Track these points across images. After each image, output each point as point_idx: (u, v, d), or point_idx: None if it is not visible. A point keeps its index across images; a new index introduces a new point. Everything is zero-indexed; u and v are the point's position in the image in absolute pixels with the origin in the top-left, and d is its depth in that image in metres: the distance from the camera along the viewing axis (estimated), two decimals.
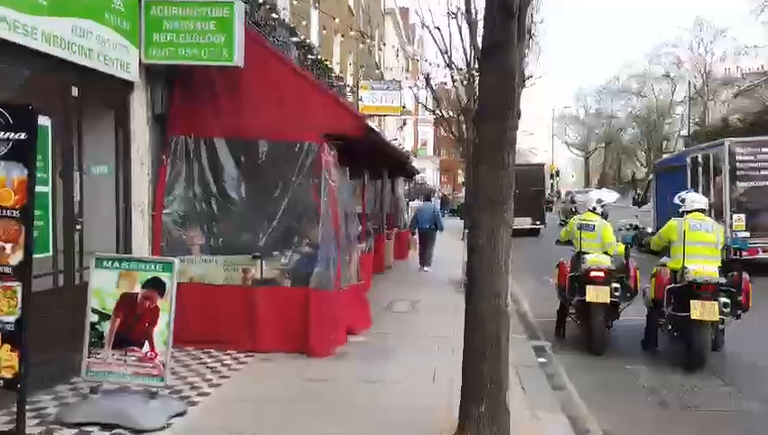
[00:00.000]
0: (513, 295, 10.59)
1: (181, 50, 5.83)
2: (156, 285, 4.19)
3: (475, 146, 3.78)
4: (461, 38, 14.24)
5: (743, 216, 11.13)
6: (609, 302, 6.49)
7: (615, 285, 6.59)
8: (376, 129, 6.14)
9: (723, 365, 6.12)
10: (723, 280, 5.87)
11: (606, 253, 6.99)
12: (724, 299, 5.80)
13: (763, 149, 11.69)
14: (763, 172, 11.26)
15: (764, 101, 41.34)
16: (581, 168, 77.28)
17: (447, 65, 15.21)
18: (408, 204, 21.99)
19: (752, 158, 11.52)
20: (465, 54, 14.37)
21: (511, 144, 3.57)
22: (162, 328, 4.16)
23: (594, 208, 7.24)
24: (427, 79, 19.63)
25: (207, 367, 5.52)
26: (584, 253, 6.99)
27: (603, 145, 69.56)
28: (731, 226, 10.93)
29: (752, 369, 6.13)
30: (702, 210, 6.39)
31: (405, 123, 33.79)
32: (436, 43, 14.96)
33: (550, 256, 7.61)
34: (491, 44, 3.62)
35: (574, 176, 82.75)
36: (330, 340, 6.11)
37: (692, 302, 5.76)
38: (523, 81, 3.75)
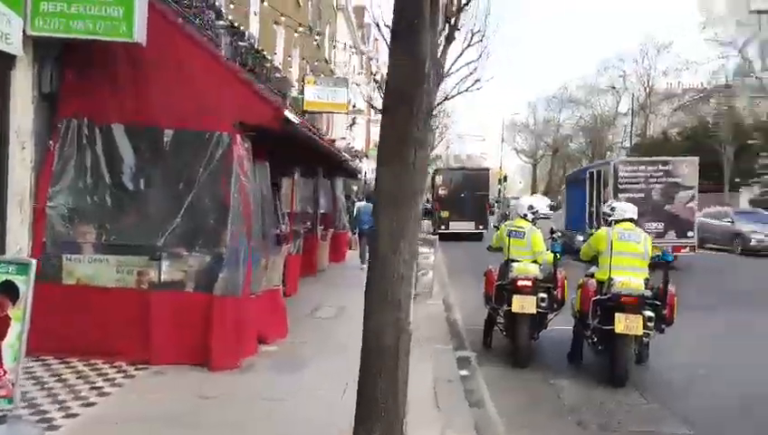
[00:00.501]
0: (447, 301, 10.35)
1: (73, 22, 5.17)
2: (7, 290, 3.57)
3: (379, 140, 3.35)
4: None
5: None
6: (535, 312, 6.22)
7: (542, 295, 6.33)
8: (295, 120, 5.62)
9: (646, 381, 5.92)
10: (648, 293, 5.68)
11: (536, 261, 6.74)
12: (648, 313, 5.61)
13: (640, 168, 14.52)
14: (639, 186, 14.11)
15: (701, 116, 43.14)
16: (530, 175, 78.87)
17: None
18: (354, 204, 21.67)
19: (632, 174, 14.28)
20: None
21: (419, 141, 3.16)
22: (12, 341, 3.55)
23: (525, 215, 6.98)
24: (376, 79, 19.23)
25: (87, 382, 4.89)
26: (513, 260, 6.71)
27: (551, 153, 71.14)
28: None
29: (674, 384, 5.97)
30: (632, 220, 6.21)
31: (354, 122, 33.25)
32: (387, 42, 14.55)
33: (490, 262, 7.31)
34: (400, 24, 3.21)
35: (522, 182, 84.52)
36: (234, 351, 5.58)
37: (616, 315, 5.54)
38: (440, 73, 3.32)
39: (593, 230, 18.57)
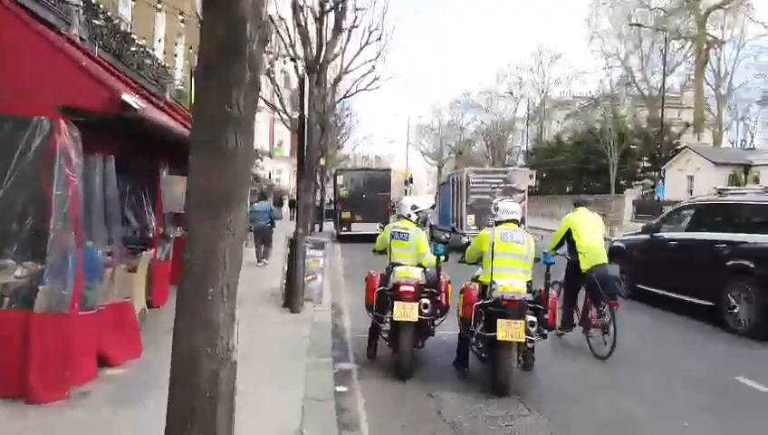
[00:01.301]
0: (338, 307, 9.76)
1: None
2: None
3: (192, 123, 2.67)
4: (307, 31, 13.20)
5: (473, 216, 17.67)
6: (416, 320, 5.77)
7: (425, 301, 5.89)
8: (136, 105, 4.77)
9: (530, 390, 5.64)
10: (529, 297, 5.40)
11: (420, 265, 6.31)
12: (531, 317, 5.32)
13: (486, 176, 18.90)
14: (485, 190, 17.77)
15: (590, 123, 45.81)
16: (436, 177, 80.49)
17: (292, 59, 14.05)
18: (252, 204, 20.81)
19: (480, 181, 18.26)
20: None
21: (238, 122, 2.52)
22: None
23: (409, 215, 6.53)
24: (269, 72, 18.29)
25: None
26: (396, 264, 6.24)
27: (455, 156, 72.93)
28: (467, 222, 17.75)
29: (559, 393, 5.73)
30: (514, 221, 5.92)
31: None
32: (279, 34, 13.73)
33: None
34: None
35: (430, 184, 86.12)
36: (59, 378, 4.64)
37: (498, 321, 5.20)
38: (266, 38, 2.67)
39: (453, 225, 19.38)
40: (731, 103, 49.15)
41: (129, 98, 4.80)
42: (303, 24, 10.46)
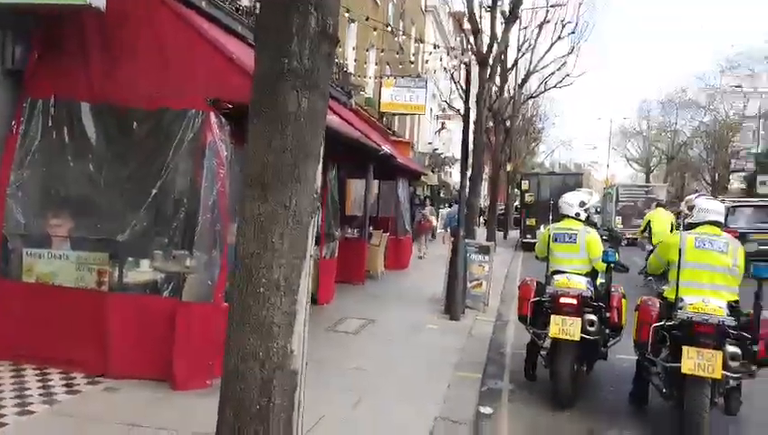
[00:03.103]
0: (502, 318, 8.94)
1: None
2: None
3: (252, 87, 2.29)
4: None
5: (620, 218, 20.78)
6: (579, 339, 4.82)
7: (590, 317, 4.91)
8: None
9: None
10: (731, 320, 4.12)
11: (590, 274, 5.32)
12: (732, 348, 4.05)
13: (632, 190, 23.25)
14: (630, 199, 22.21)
15: None
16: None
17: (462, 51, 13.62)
18: (438, 210, 21.20)
19: (627, 193, 22.71)
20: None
21: (302, 78, 2.10)
22: None
23: (577, 214, 5.56)
24: (453, 77, 18.05)
25: (21, 395, 4.26)
26: (558, 272, 5.34)
27: (665, 161, 65.31)
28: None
29: None
30: (716, 223, 4.63)
31: (443, 127, 31.96)
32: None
33: None
34: None
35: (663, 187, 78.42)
36: (203, 367, 4.74)
37: (684, 349, 4.05)
38: None
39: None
40: None
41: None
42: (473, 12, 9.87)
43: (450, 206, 15.33)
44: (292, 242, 2.14)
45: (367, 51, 18.23)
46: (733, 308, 4.30)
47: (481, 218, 34.51)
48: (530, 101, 26.48)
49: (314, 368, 5.59)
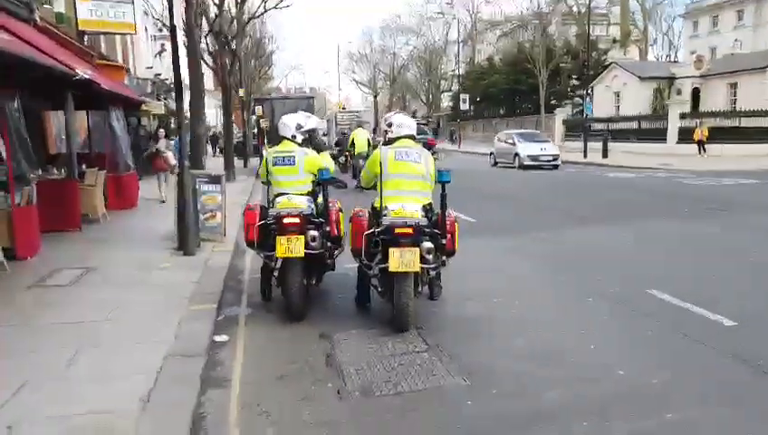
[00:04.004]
0: (242, 247, 8.84)
1: None
2: None
3: None
4: None
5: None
6: (303, 255, 5.03)
7: (312, 233, 5.14)
8: None
9: (432, 321, 5.10)
10: (425, 221, 4.73)
11: (310, 193, 5.50)
12: (427, 244, 4.67)
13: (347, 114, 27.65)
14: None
15: (521, 43, 45.18)
16: (372, 106, 78.74)
17: None
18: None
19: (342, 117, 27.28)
20: None
21: None
22: None
23: (293, 136, 5.65)
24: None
25: None
26: (282, 194, 5.41)
27: (389, 83, 71.01)
28: None
29: (465, 322, 5.22)
30: (411, 136, 5.16)
31: (164, 49, 29.16)
32: None
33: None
34: None
35: (369, 112, 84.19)
36: None
37: (390, 250, 4.54)
38: None
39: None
40: (656, 18, 49.55)
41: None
42: None
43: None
44: None
45: None
46: (427, 211, 4.92)
47: (216, 147, 33.28)
48: (256, 24, 25.75)
49: (16, 332, 4.85)
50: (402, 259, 4.50)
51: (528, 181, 18.37)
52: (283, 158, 5.51)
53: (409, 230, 4.57)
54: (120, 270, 7.02)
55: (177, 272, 6.96)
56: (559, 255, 7.86)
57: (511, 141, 23.59)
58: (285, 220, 5.08)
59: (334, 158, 5.96)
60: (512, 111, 47.73)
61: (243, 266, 7.63)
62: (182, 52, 11.38)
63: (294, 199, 5.25)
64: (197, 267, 7.18)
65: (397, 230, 4.56)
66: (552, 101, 40.59)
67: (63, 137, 11.20)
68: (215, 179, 8.83)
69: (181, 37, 9.86)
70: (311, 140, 5.97)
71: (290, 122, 5.65)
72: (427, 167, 5.01)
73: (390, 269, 4.53)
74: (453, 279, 5.87)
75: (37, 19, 11.92)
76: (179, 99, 7.92)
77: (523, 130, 27.54)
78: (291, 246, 4.99)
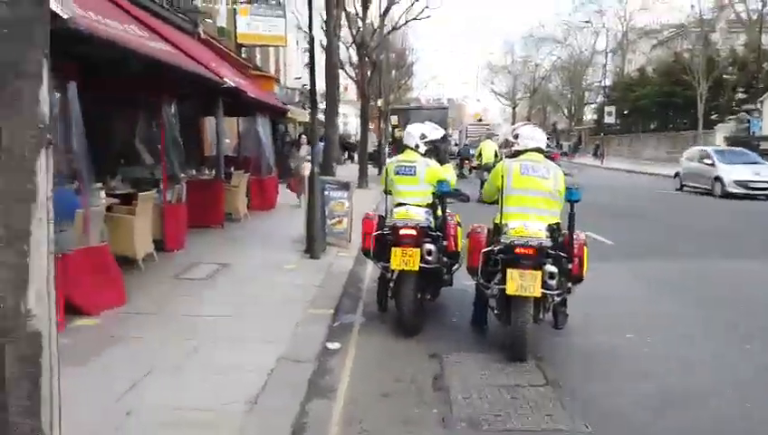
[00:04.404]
0: None
1: None
2: None
3: None
4: None
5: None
6: (417, 269, 4.87)
7: (429, 246, 4.96)
8: (65, 14, 4.02)
9: (553, 353, 4.67)
10: (549, 242, 4.33)
11: (430, 205, 5.34)
12: (550, 268, 4.28)
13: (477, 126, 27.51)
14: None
15: (679, 52, 41.42)
16: (511, 117, 77.05)
17: None
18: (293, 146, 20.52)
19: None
20: None
21: None
22: None
23: (417, 146, 5.52)
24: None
25: None
26: (401, 205, 5.31)
27: (529, 94, 69.04)
28: None
29: (591, 358, 4.72)
30: (539, 150, 4.79)
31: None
32: None
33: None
34: None
35: (500, 124, 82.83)
36: None
37: (508, 271, 4.21)
38: None
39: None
40: None
41: (57, 6, 4.04)
42: None
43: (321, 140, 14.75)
44: (8, 182, 1.76)
45: None
46: (553, 230, 4.52)
47: (354, 154, 34.45)
48: (398, 35, 26.33)
49: (154, 319, 5.26)
50: (521, 282, 4.17)
51: (736, 215, 14.19)
52: (405, 167, 5.42)
53: (531, 251, 4.22)
54: (250, 268, 7.38)
55: (302, 274, 7.17)
56: (715, 290, 6.90)
57: (708, 161, 18.38)
58: (402, 232, 4.97)
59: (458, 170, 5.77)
60: (663, 125, 43.96)
61: (363, 273, 7.67)
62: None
63: (412, 211, 5.12)
64: (321, 271, 7.34)
65: (517, 250, 4.24)
66: (713, 116, 36.62)
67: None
68: (343, 186, 9.02)
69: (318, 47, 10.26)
70: (437, 152, 5.82)
71: (415, 132, 5.55)
72: (555, 183, 4.61)
73: (508, 292, 4.22)
74: (582, 306, 5.36)
75: (201, 33, 13.15)
76: (314, 107, 8.20)
77: (724, 148, 22.36)
78: (406, 259, 4.86)
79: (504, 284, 4.33)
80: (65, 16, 4.02)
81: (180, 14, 11.95)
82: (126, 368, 4.11)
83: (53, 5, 4.03)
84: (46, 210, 1.87)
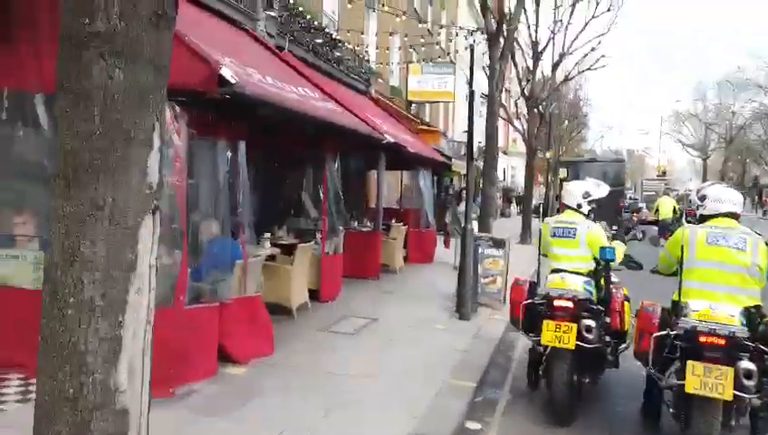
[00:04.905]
0: None
1: None
2: None
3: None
4: None
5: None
6: (573, 347, 4.23)
7: (588, 322, 4.30)
8: (234, 80, 4.31)
9: None
10: (744, 331, 3.45)
11: (591, 273, 4.69)
12: (746, 364, 3.39)
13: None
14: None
15: None
16: (701, 170, 69.54)
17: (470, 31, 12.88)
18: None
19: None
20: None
21: (110, 43, 1.67)
22: None
23: (579, 206, 4.93)
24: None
25: None
26: (557, 271, 4.74)
27: (724, 145, 61.71)
28: None
29: None
30: (733, 215, 3.94)
31: (480, 115, 30.94)
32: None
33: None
34: None
35: (692, 179, 74.95)
36: (164, 375, 4.40)
37: (688, 364, 3.42)
38: None
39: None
40: None
41: (228, 72, 4.35)
42: None
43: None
44: (109, 250, 1.73)
45: (390, 35, 17.65)
46: (751, 315, 3.63)
47: (518, 207, 33.38)
48: (571, 86, 25.32)
49: (293, 374, 5.26)
50: (706, 380, 3.35)
51: None
52: (564, 229, 4.85)
53: (720, 341, 3.39)
54: (397, 325, 7.18)
55: (449, 336, 6.79)
56: None
57: None
58: (556, 303, 4.39)
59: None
60: None
61: (516, 341, 7.03)
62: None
63: (569, 279, 4.52)
64: (469, 334, 6.90)
65: (701, 338, 3.43)
66: None
67: (386, 194, 12.48)
68: (498, 243, 8.55)
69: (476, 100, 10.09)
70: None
71: (576, 190, 4.97)
72: (754, 257, 3.72)
73: (687, 390, 3.41)
74: None
75: (372, 92, 13.82)
76: (470, 162, 7.96)
77: None
78: (560, 335, 4.26)
79: (683, 378, 3.53)
80: (233, 81, 4.28)
81: (353, 76, 12.67)
82: (260, 425, 4.07)
83: (224, 72, 4.35)
84: (148, 280, 1.82)
